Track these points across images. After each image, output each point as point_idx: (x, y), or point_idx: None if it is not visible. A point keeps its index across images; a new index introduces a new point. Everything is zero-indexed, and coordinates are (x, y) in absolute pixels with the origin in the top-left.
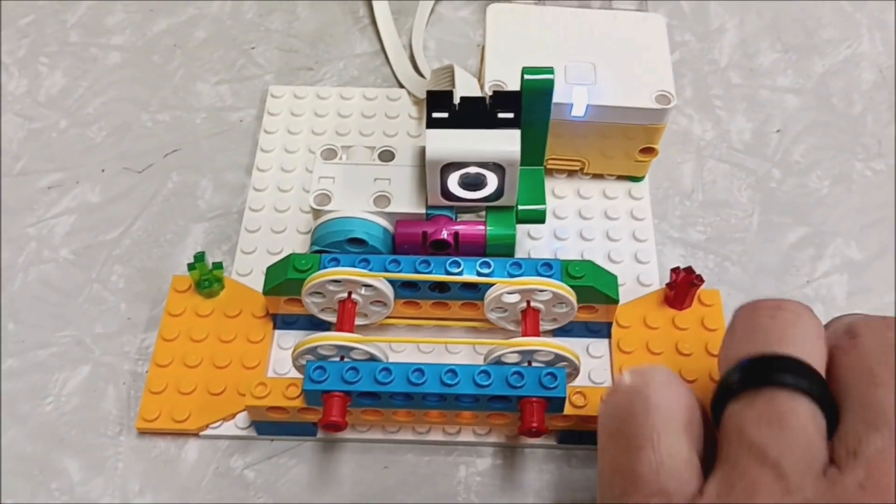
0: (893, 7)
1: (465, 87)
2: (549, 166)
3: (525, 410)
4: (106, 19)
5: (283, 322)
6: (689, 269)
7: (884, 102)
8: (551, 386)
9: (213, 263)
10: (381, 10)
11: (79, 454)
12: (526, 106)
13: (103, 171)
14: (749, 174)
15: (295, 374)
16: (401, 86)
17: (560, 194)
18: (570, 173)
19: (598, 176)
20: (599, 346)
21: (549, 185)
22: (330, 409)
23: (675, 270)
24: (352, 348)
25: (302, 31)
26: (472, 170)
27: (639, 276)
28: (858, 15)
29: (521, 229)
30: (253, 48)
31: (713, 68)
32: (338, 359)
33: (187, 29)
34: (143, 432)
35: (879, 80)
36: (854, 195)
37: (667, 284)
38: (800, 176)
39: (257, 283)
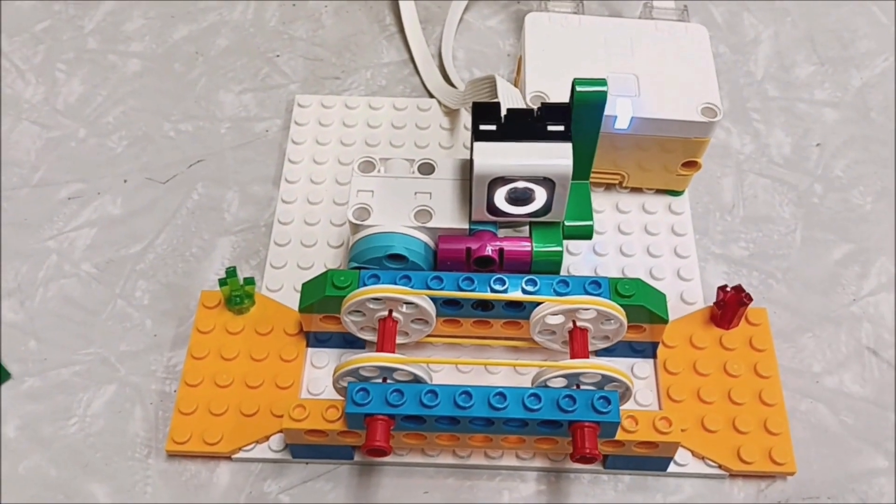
0: None
1: (508, 98)
2: None
3: (577, 436)
4: (125, 25)
5: (316, 339)
6: (738, 288)
7: None
8: (604, 410)
9: (245, 279)
10: (409, 19)
11: (106, 479)
12: (576, 118)
13: (125, 181)
14: (790, 189)
15: (330, 393)
16: (430, 95)
17: (598, 208)
18: (608, 187)
19: (636, 189)
20: (644, 366)
21: None
22: (374, 433)
23: (722, 289)
24: (395, 369)
25: (327, 39)
26: (521, 184)
27: (682, 293)
28: (894, 28)
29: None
30: (277, 56)
31: (749, 80)
32: (380, 380)
33: (209, 36)
34: (172, 455)
35: None
36: None
37: (714, 303)
38: (842, 191)
39: (288, 298)
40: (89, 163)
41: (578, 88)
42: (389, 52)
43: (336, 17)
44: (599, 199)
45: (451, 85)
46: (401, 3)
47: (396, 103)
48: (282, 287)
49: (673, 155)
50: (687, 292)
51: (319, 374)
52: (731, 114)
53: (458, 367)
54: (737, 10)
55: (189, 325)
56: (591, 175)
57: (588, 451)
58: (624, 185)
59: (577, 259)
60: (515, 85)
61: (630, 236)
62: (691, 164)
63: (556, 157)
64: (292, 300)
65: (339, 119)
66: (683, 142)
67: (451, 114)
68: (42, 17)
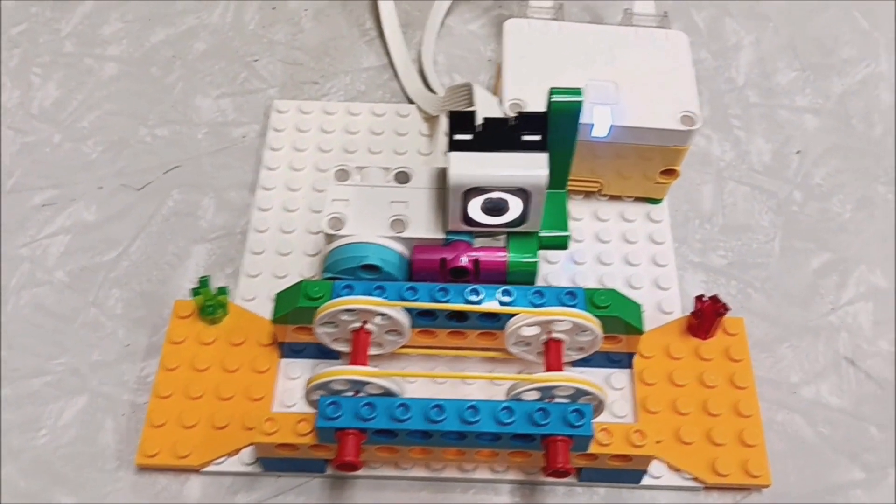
0: None
1: (485, 106)
2: None
3: (550, 450)
4: (101, 29)
5: (290, 350)
6: (714, 298)
7: None
8: (577, 424)
9: (218, 288)
10: (389, 23)
11: (75, 490)
12: (552, 128)
13: (100, 188)
14: (770, 197)
15: (304, 406)
16: (410, 101)
17: (577, 216)
18: (587, 195)
19: (615, 197)
20: (621, 377)
21: None
22: (344, 447)
23: (699, 298)
24: (367, 383)
25: (306, 43)
26: (496, 195)
27: (660, 303)
28: (876, 34)
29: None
30: (256, 60)
31: (730, 87)
32: (351, 393)
33: (187, 40)
34: (142, 468)
35: None
36: (877, 220)
37: (691, 313)
38: (822, 200)
39: (263, 308)
40: (64, 168)
41: (554, 98)
42: (369, 56)
43: (316, 21)
44: (578, 207)
45: (431, 90)
46: (381, 7)
47: (375, 109)
48: (256, 297)
49: (652, 163)
50: (665, 302)
51: (293, 385)
52: (711, 121)
53: (434, 379)
54: (719, 16)
55: (162, 334)
56: (570, 183)
57: (561, 465)
58: (603, 192)
59: (556, 268)
60: (495, 91)
61: (608, 245)
62: (670, 173)
63: (531, 167)
64: (267, 310)
65: (317, 125)
66: (662, 150)
67: (431, 120)
68: (19, 19)
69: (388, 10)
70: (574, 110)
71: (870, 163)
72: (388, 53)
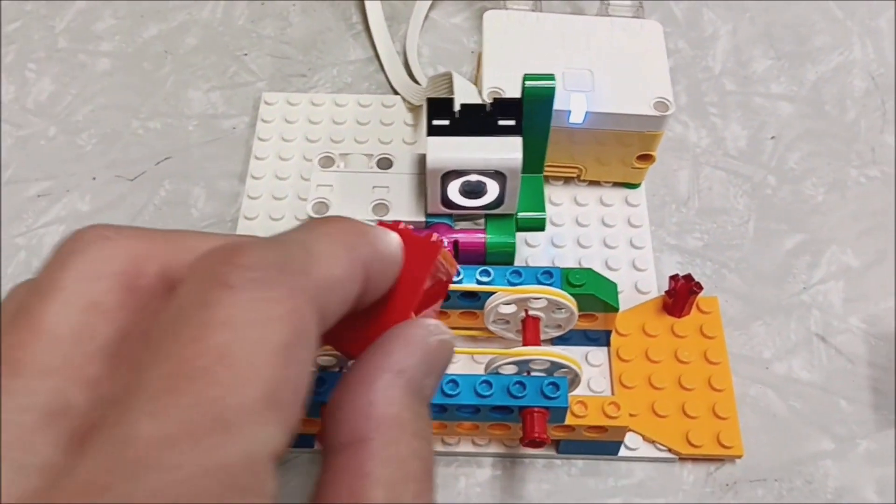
0: (884, 14)
1: (464, 94)
2: (545, 173)
3: (526, 421)
4: (95, 25)
5: None
6: (688, 277)
7: (877, 109)
8: (553, 396)
9: None
10: (375, 17)
11: None
12: (527, 113)
13: (94, 179)
14: (745, 181)
15: None
16: (395, 92)
17: (557, 201)
18: (567, 180)
19: (594, 183)
20: (599, 354)
21: (546, 192)
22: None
23: (674, 278)
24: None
25: (294, 37)
26: (473, 178)
27: (637, 283)
28: (850, 22)
29: (519, 237)
30: (245, 55)
31: (707, 75)
32: (338, 369)
33: (178, 35)
34: None
35: (871, 87)
36: (849, 202)
37: (666, 292)
38: (795, 183)
39: None
40: (59, 160)
41: (528, 84)
42: (356, 49)
43: (303, 16)
44: (558, 192)
45: (416, 82)
46: (366, 2)
47: (361, 100)
48: None
49: (628, 149)
50: (641, 282)
51: None
52: (688, 108)
53: None
54: (696, 6)
55: None
56: (550, 169)
57: (537, 435)
58: (582, 178)
59: (536, 251)
60: (476, 81)
61: (587, 228)
62: (646, 158)
63: (506, 150)
64: None
65: (304, 116)
66: (637, 135)
67: (415, 110)
68: (13, 17)
69: (373, 5)
70: (547, 95)
71: (842, 147)
72: (373, 46)
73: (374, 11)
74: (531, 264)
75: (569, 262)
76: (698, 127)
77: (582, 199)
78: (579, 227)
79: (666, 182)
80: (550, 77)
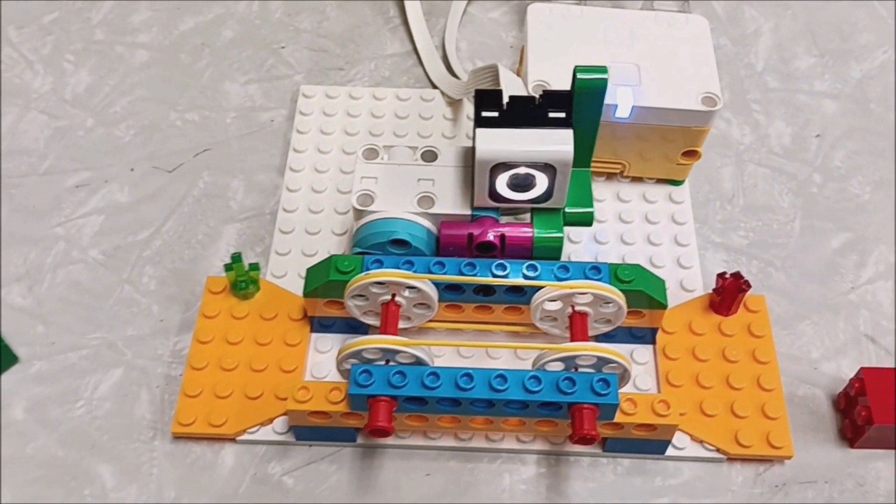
0: None
1: (510, 86)
2: None
3: (576, 418)
4: (131, 17)
5: (320, 325)
6: (736, 275)
7: None
8: (603, 392)
9: (250, 265)
10: (413, 11)
11: (112, 459)
12: (577, 106)
13: (132, 170)
14: (790, 179)
15: (333, 377)
16: (434, 86)
17: (599, 197)
18: (609, 176)
19: (637, 179)
20: (644, 352)
21: None
22: (376, 414)
23: (721, 275)
24: (398, 351)
25: (331, 30)
26: (522, 170)
27: (682, 280)
28: (892, 20)
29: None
30: (282, 48)
31: (750, 72)
32: (383, 363)
33: (215, 28)
34: (178, 437)
35: None
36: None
37: (713, 290)
38: (840, 181)
39: (292, 285)
40: (97, 152)
41: (579, 76)
42: (393, 43)
43: (340, 10)
44: (600, 189)
45: (454, 76)
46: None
47: (400, 94)
48: (286, 273)
49: (673, 144)
50: (686, 280)
51: (323, 358)
52: (731, 105)
53: (460, 352)
54: (738, 3)
55: (195, 310)
56: (592, 164)
57: (587, 431)
58: (625, 174)
59: (579, 247)
60: (518, 75)
61: (630, 225)
62: (691, 154)
63: (557, 143)
64: (296, 287)
65: (343, 109)
66: (683, 131)
67: (454, 104)
68: (50, 8)
69: (412, 3)
70: (599, 88)
71: (887, 145)
72: (411, 40)
73: (413, 6)
74: (574, 260)
75: (612, 259)
76: (741, 124)
77: (625, 195)
78: (622, 224)
79: (709, 179)
80: (603, 69)
